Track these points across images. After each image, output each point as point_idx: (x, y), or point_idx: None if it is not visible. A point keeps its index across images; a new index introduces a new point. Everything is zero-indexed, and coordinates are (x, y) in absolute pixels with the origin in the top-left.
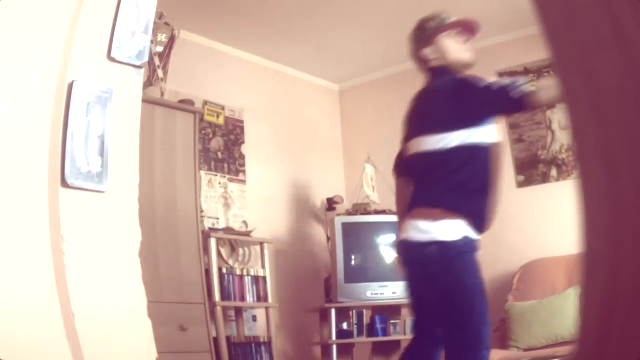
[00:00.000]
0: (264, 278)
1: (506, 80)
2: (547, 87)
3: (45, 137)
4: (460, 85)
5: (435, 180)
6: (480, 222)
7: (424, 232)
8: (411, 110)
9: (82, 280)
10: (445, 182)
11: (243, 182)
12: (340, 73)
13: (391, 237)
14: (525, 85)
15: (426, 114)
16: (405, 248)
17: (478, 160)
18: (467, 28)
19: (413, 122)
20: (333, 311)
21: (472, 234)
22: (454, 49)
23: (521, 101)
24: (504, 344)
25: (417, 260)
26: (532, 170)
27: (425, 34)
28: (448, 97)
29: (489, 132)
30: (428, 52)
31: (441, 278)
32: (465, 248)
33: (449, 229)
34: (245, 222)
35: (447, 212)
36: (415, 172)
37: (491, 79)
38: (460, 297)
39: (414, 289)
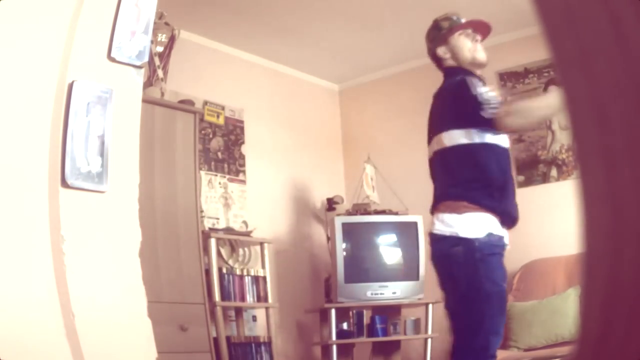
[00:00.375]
0: (264, 278)
1: (487, 96)
2: (515, 112)
3: (45, 137)
4: (459, 87)
5: (456, 175)
6: (504, 217)
7: (448, 225)
8: (429, 113)
9: (82, 280)
10: (465, 177)
11: (243, 182)
12: (340, 73)
13: (391, 237)
14: (495, 108)
15: (438, 114)
16: (432, 242)
17: (493, 158)
18: (480, 28)
19: (431, 124)
20: (333, 311)
21: (497, 229)
22: (466, 48)
23: (490, 121)
24: (504, 344)
25: (443, 257)
26: (532, 170)
27: (439, 33)
28: (451, 97)
29: (498, 135)
30: (442, 50)
31: (463, 280)
32: (490, 249)
33: (473, 224)
34: (245, 222)
35: (471, 205)
36: (436, 170)
37: (481, 88)
38: (477, 303)
39: (442, 286)
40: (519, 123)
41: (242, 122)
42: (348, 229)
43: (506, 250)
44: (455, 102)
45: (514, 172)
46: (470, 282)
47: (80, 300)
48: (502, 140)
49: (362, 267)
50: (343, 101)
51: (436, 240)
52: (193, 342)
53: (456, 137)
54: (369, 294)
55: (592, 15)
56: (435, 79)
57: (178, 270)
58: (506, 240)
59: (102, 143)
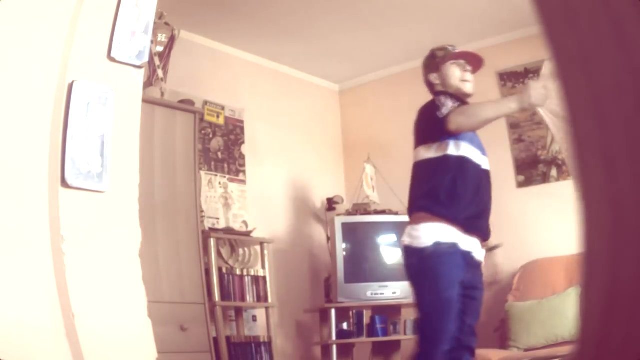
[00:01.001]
0: (264, 278)
1: (445, 102)
2: (461, 112)
3: (45, 137)
4: (432, 103)
5: (418, 188)
6: (459, 224)
7: (409, 236)
8: None
9: (82, 280)
10: (423, 190)
11: (243, 182)
12: (340, 73)
13: (391, 237)
14: (449, 110)
15: (415, 130)
16: (402, 254)
17: (451, 168)
18: (472, 61)
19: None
20: (333, 311)
21: (448, 237)
22: (455, 77)
23: (443, 121)
24: (504, 344)
25: (404, 266)
26: (532, 170)
27: (434, 61)
28: (424, 112)
29: (461, 147)
30: (433, 77)
31: (414, 287)
32: (438, 258)
33: (425, 233)
34: (245, 222)
35: (427, 215)
36: (411, 182)
37: (448, 101)
38: (424, 307)
39: None
40: (463, 121)
41: (242, 122)
42: (348, 229)
43: (472, 255)
44: (423, 117)
45: (513, 172)
46: (419, 288)
47: (80, 300)
48: (473, 155)
49: (362, 267)
50: (343, 101)
51: (403, 251)
52: (193, 342)
53: (420, 153)
54: (369, 294)
55: (592, 15)
56: None
57: (178, 270)
58: (466, 248)
59: (102, 143)
